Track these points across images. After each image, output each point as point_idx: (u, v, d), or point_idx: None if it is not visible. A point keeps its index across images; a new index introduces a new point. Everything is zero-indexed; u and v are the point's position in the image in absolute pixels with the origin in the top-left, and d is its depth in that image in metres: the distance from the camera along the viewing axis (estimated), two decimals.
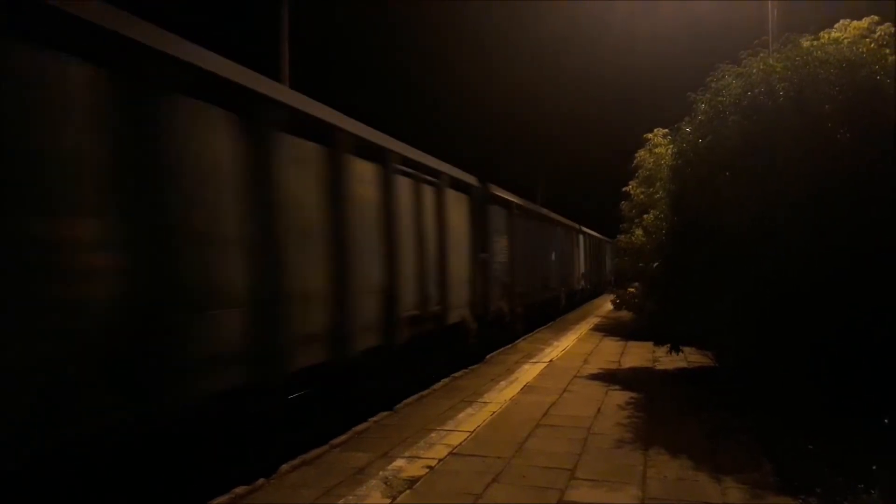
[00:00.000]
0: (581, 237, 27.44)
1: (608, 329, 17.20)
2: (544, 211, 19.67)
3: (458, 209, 11.11)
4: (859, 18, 7.38)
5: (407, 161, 8.84)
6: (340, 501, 4.71)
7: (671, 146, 9.74)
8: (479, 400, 8.15)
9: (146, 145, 4.38)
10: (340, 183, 6.91)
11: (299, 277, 6.02)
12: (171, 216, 4.57)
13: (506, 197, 14.23)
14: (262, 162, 5.56)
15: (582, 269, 27.96)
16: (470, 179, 11.82)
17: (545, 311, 18.95)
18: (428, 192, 9.67)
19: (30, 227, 3.63)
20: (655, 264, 9.99)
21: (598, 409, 7.57)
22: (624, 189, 13.22)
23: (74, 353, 3.80)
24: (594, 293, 33.10)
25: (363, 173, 7.57)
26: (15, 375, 3.47)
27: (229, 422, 5.30)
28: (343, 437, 6.40)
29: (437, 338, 9.85)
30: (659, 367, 10.83)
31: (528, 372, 10.30)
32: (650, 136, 12.09)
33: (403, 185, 8.73)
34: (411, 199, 9.07)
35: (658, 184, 10.75)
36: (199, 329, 4.77)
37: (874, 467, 4.83)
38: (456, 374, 10.05)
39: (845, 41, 7.04)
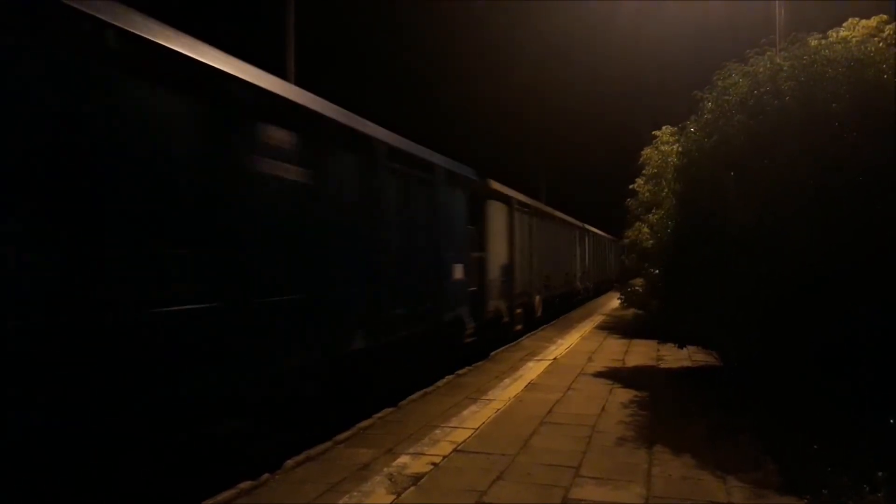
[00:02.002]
0: (609, 241, 35.15)
1: (612, 327, 17.19)
2: (582, 225, 26.22)
3: (547, 230, 18.41)
4: (868, 18, 7.35)
5: (522, 204, 15.40)
6: (345, 497, 4.73)
7: (677, 145, 9.72)
8: (484, 397, 8.16)
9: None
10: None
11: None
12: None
13: (563, 217, 21.53)
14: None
15: (605, 267, 35.38)
16: (542, 206, 18.53)
17: (580, 296, 26.01)
18: (526, 220, 15.90)
19: None
20: (660, 263, 9.99)
21: (603, 408, 7.57)
22: (631, 187, 13.19)
23: None
24: (603, 290, 33.01)
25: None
26: None
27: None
28: (347, 434, 6.41)
29: (526, 307, 15.83)
30: (663, 365, 10.82)
31: (533, 370, 10.31)
32: (658, 133, 12.06)
33: (523, 220, 15.41)
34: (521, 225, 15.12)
35: (664, 182, 10.74)
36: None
37: (880, 471, 4.82)
38: (460, 372, 10.05)
39: (853, 40, 7.02)
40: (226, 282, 5.07)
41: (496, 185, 13.19)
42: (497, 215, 13.30)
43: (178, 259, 4.62)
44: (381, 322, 7.71)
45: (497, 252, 13.23)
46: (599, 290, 32.66)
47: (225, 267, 5.08)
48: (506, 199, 14.03)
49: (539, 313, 17.21)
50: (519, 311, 14.99)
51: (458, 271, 10.66)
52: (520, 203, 15.28)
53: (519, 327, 14.97)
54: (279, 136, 5.88)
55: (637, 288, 14.65)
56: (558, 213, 21.03)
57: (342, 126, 7.09)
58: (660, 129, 12.02)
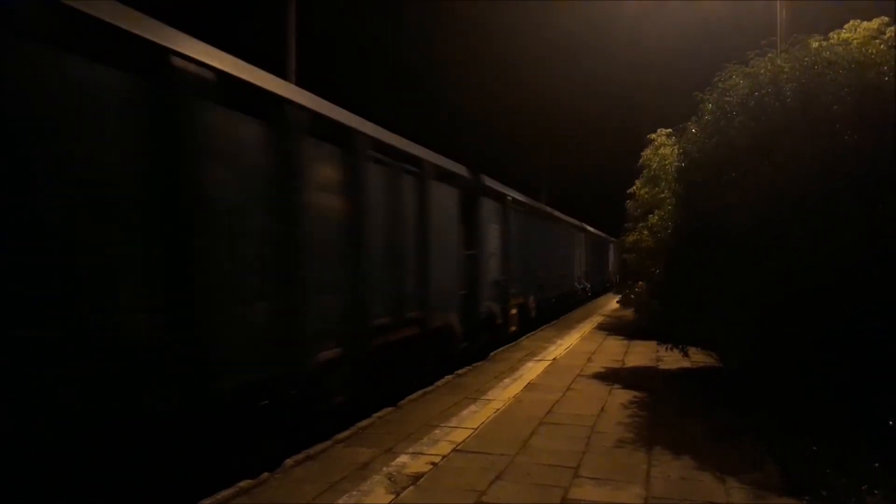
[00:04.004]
0: (611, 245, 35.57)
1: (612, 328, 17.19)
2: (597, 231, 28.84)
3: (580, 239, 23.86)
4: (869, 20, 7.35)
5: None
6: (344, 497, 4.73)
7: (677, 147, 9.72)
8: (483, 397, 8.16)
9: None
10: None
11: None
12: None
13: (586, 227, 25.38)
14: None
15: (611, 268, 36.67)
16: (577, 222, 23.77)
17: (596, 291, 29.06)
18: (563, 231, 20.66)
19: None
20: (659, 265, 9.99)
21: (602, 408, 7.57)
22: (629, 191, 13.20)
23: None
24: (603, 290, 32.94)
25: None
26: None
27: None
28: (346, 433, 6.42)
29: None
30: (662, 366, 10.82)
31: (532, 370, 10.31)
32: (654, 136, 12.06)
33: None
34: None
35: (663, 184, 10.75)
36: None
37: (878, 472, 4.83)
38: (459, 371, 10.05)
39: (855, 42, 7.02)
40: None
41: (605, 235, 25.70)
42: (612, 249, 27.80)
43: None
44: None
45: (610, 260, 28.76)
46: (598, 292, 32.63)
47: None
48: (610, 240, 27.54)
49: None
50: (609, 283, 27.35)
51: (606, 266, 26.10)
52: (608, 239, 29.86)
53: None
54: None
55: (637, 290, 14.66)
56: (601, 233, 28.59)
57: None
58: (656, 131, 12.05)
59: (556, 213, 20.54)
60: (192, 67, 4.67)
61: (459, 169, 10.87)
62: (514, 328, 14.16)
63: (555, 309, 19.86)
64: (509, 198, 13.86)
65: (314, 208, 6.18)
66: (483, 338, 11.95)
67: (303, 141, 6.00)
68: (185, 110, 4.63)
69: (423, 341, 8.91)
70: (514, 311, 14.07)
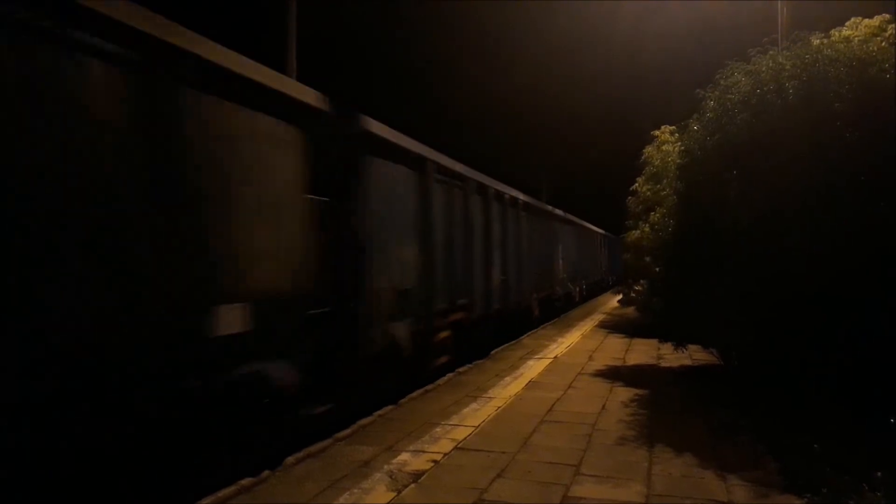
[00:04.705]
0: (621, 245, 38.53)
1: (613, 326, 17.19)
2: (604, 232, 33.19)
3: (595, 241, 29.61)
4: (871, 17, 7.35)
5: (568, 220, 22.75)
6: (346, 494, 4.73)
7: (679, 144, 9.71)
8: (484, 395, 8.16)
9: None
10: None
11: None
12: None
13: (607, 233, 31.10)
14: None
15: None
16: (598, 228, 30.12)
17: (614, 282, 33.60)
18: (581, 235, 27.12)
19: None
20: (661, 262, 9.98)
21: (603, 406, 7.57)
22: (632, 188, 13.19)
23: None
24: (617, 282, 33.09)
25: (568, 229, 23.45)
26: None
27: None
28: (347, 431, 6.42)
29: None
30: (664, 364, 10.82)
31: (533, 368, 10.31)
32: (658, 132, 12.06)
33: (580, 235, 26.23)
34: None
35: (665, 181, 10.74)
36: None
37: (879, 471, 4.82)
38: (460, 370, 10.06)
39: (856, 39, 7.00)
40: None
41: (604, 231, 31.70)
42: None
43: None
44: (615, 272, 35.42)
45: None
46: (614, 282, 33.62)
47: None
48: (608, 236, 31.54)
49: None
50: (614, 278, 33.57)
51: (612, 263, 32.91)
52: (606, 235, 32.39)
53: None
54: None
55: (637, 287, 14.66)
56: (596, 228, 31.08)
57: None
58: (660, 127, 12.04)
59: (591, 226, 29.19)
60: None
61: (565, 214, 21.69)
62: (577, 299, 24.37)
63: (592, 290, 29.22)
64: (577, 223, 24.39)
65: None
66: (563, 303, 21.30)
67: (554, 222, 18.64)
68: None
69: (550, 300, 18.86)
70: (577, 289, 24.12)
